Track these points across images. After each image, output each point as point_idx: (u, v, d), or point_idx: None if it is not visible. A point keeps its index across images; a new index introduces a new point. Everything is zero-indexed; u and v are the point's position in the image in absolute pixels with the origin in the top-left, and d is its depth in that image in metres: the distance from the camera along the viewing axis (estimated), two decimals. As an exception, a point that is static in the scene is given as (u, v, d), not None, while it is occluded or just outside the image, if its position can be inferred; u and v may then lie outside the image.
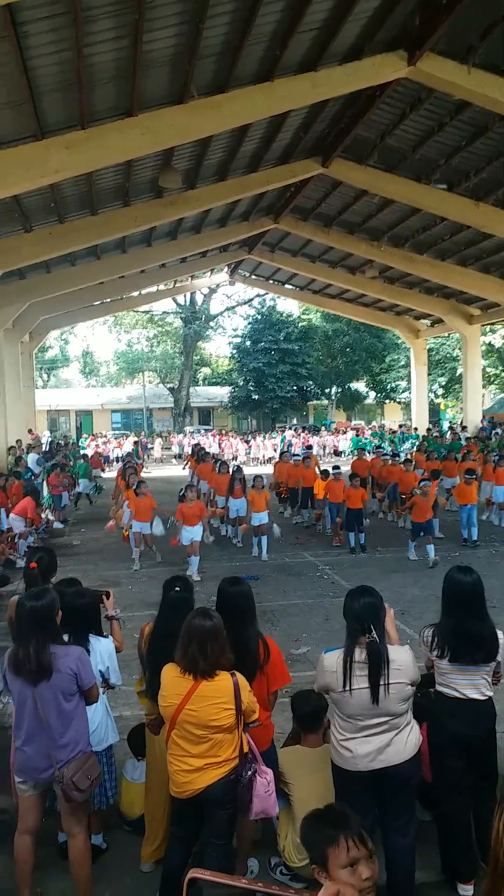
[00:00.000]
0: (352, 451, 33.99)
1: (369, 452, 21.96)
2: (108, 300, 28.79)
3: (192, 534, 11.27)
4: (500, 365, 37.51)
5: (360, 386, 50.95)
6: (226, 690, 3.39)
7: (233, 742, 3.43)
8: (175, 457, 36.02)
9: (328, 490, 13.58)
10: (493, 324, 28.87)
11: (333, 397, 49.57)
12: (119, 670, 4.32)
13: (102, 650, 4.19)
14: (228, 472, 14.16)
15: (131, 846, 4.24)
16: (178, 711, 3.37)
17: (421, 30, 10.63)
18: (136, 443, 34.94)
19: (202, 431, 41.89)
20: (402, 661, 3.47)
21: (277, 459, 18.84)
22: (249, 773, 3.50)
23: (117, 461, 27.97)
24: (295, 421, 50.15)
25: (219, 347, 62.60)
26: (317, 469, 15.64)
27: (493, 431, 24.97)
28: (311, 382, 45.61)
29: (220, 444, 33.93)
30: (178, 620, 3.61)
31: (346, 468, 15.45)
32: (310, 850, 2.47)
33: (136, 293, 29.68)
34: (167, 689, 3.44)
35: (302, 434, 36.67)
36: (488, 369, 36.42)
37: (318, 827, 2.44)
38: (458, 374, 35.84)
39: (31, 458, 17.37)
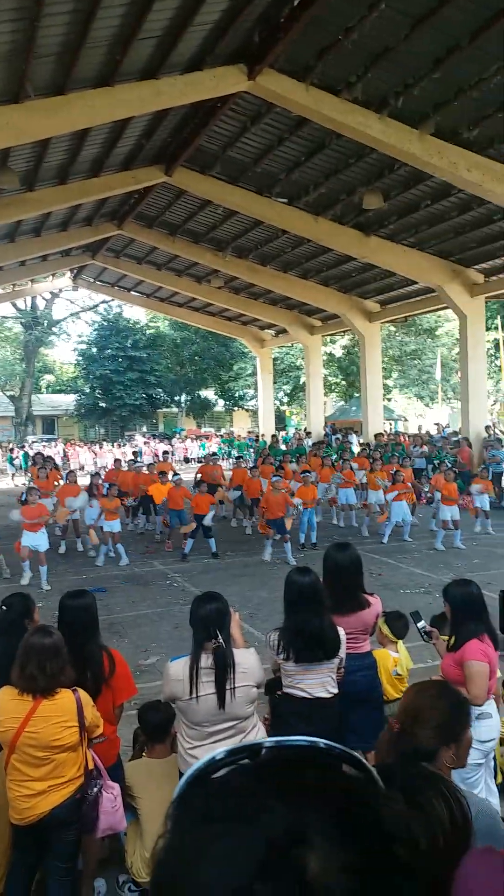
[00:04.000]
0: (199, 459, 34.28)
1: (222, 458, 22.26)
2: None
3: (36, 541, 10.81)
4: (340, 374, 39.17)
5: (209, 394, 51.38)
6: (68, 708, 3.28)
7: (77, 760, 3.34)
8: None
9: (169, 497, 13.31)
10: (332, 335, 30.12)
11: (183, 405, 49.67)
12: None
13: None
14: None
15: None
16: (17, 735, 3.21)
17: (260, 46, 10.95)
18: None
19: (46, 441, 40.53)
20: (248, 663, 3.51)
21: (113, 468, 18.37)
22: (95, 789, 3.41)
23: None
24: (145, 429, 49.74)
25: (63, 354, 60.76)
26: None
27: (335, 437, 26.01)
28: (160, 390, 45.45)
29: (65, 454, 32.91)
30: (6, 643, 3.46)
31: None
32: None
33: (-29, 297, 28.25)
34: (4, 714, 3.27)
35: (152, 442, 36.41)
36: (329, 378, 37.92)
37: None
38: (301, 383, 37.04)
39: None
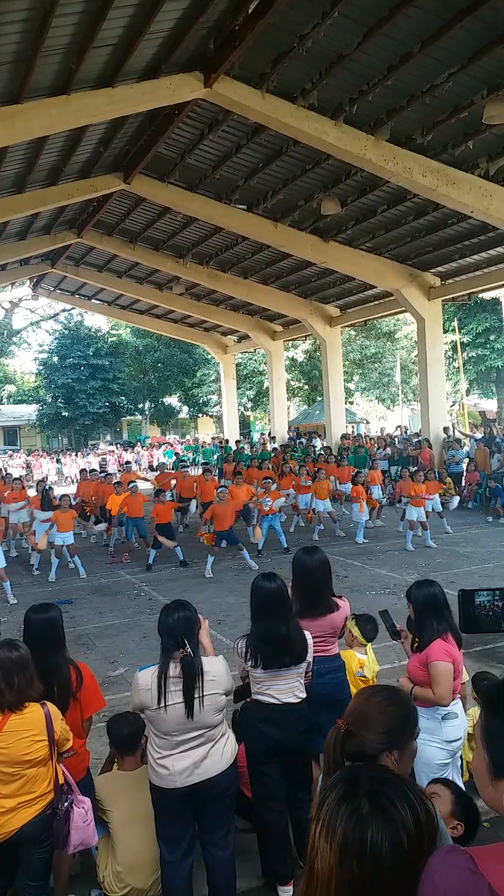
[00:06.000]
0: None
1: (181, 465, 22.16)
2: None
3: None
4: (303, 378, 39.34)
5: (172, 400, 51.21)
6: (37, 722, 3.25)
7: (47, 775, 3.31)
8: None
9: (125, 505, 13.33)
10: (294, 339, 30.24)
11: (147, 412, 49.43)
12: None
13: None
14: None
15: None
16: (-16, 752, 3.17)
17: (216, 54, 10.99)
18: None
19: (9, 453, 40.01)
20: (216, 671, 3.51)
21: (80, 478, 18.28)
22: (66, 804, 3.37)
23: None
24: (108, 437, 49.38)
25: (23, 364, 60.06)
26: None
27: (298, 441, 26.12)
28: (123, 398, 45.21)
29: (28, 465, 32.52)
30: None
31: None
32: None
33: None
34: (-29, 730, 3.23)
35: (117, 450, 36.17)
36: (292, 383, 38.07)
37: None
38: (264, 388, 37.13)
39: None
